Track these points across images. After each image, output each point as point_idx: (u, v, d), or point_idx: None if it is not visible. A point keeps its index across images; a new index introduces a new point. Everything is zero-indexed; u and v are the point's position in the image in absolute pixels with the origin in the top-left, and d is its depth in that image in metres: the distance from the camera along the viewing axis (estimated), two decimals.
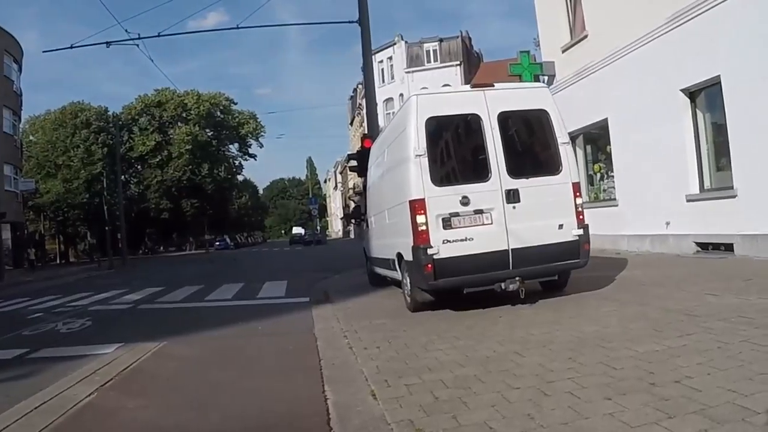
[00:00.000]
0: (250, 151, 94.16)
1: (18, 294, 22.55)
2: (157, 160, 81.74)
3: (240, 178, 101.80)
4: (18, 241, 49.03)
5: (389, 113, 57.66)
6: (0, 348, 9.92)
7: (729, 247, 12.72)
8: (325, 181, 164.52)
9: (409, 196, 8.79)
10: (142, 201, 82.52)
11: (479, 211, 8.74)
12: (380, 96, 37.64)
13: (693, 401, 4.14)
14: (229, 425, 5.10)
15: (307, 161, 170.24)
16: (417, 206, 8.63)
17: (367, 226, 14.21)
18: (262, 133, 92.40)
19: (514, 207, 8.74)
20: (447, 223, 8.66)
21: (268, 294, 15.94)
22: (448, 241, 8.61)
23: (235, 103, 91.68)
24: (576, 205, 9.00)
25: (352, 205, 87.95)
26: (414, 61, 65.33)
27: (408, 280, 9.67)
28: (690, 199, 13.86)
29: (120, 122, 74.59)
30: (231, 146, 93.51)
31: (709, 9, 12.68)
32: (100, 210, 56.92)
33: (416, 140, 8.79)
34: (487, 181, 8.80)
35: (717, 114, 13.34)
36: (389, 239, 10.87)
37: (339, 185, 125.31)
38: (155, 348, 8.58)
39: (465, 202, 8.70)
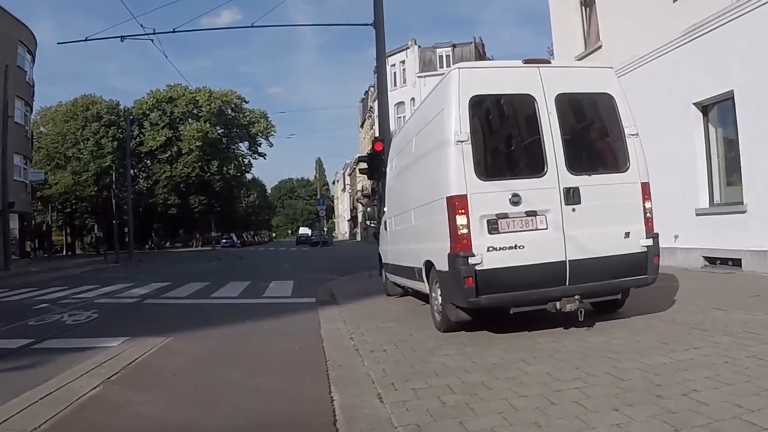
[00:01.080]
0: (260, 149, 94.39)
1: (24, 284, 22.63)
2: (167, 155, 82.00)
3: (249, 176, 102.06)
4: (25, 231, 49.21)
5: (400, 117, 57.66)
6: (5, 338, 9.96)
7: (737, 263, 12.69)
8: (334, 183, 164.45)
9: (447, 192, 7.29)
10: (150, 196, 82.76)
11: (532, 213, 7.27)
12: (392, 99, 37.57)
13: (700, 415, 4.14)
14: (235, 423, 5.12)
15: (317, 162, 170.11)
16: (457, 204, 7.14)
17: (385, 228, 12.58)
18: (273, 133, 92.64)
19: (573, 209, 7.31)
20: (493, 227, 7.17)
21: (275, 293, 15.96)
22: (494, 249, 7.11)
23: (247, 102, 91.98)
24: (645, 210, 7.63)
25: (360, 207, 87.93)
26: (427, 65, 65.37)
27: (438, 295, 8.15)
28: (699, 213, 13.82)
29: (131, 116, 74.73)
30: (241, 144, 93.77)
31: (724, 24, 12.66)
32: (108, 203, 57.12)
33: (458, 123, 7.28)
34: (543, 176, 7.35)
35: (729, 129, 13.32)
36: (415, 244, 9.40)
37: (347, 187, 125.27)
38: (161, 343, 8.60)
39: (515, 201, 7.23)
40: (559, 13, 20.90)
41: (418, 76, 64.47)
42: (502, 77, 7.85)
